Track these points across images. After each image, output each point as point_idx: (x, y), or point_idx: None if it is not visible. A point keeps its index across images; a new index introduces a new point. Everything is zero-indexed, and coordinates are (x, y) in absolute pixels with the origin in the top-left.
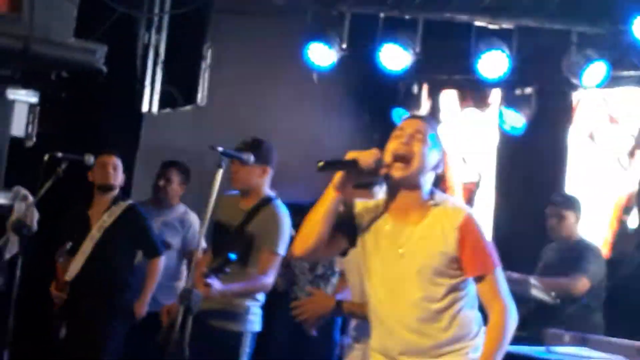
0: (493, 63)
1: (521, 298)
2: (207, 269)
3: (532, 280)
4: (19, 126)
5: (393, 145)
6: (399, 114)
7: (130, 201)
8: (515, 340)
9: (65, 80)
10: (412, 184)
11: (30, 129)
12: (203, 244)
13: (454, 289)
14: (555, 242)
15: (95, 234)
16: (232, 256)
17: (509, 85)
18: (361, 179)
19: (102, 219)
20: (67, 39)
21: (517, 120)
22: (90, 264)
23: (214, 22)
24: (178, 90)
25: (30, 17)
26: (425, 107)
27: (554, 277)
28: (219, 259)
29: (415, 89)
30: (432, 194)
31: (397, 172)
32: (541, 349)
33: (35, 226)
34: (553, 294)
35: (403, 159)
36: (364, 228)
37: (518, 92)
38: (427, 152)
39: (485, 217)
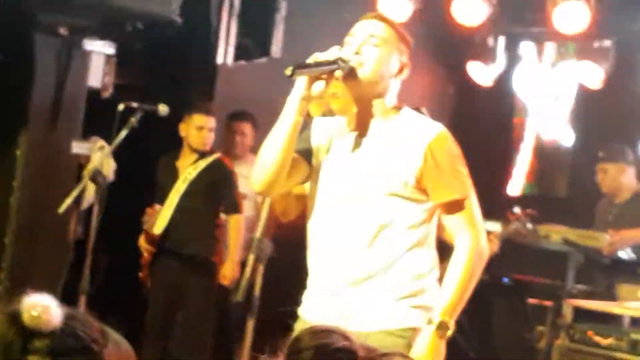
0: (570, 14)
1: (594, 254)
2: None
3: (607, 236)
4: (95, 77)
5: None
6: (474, 68)
7: (217, 154)
8: (587, 294)
9: (141, 31)
10: (369, 94)
11: (106, 80)
12: None
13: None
14: (606, 197)
15: (180, 186)
16: None
17: (586, 37)
18: (328, 86)
19: (187, 171)
20: None
21: (595, 74)
22: (177, 217)
23: None
24: (253, 42)
25: None
26: (501, 60)
27: None
28: None
29: (490, 41)
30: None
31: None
32: (614, 304)
33: (112, 176)
34: (629, 249)
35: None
36: (323, 147)
37: (596, 44)
38: (384, 58)
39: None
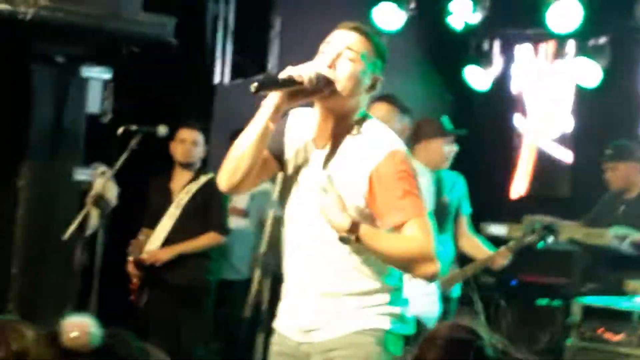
0: (564, 13)
1: (600, 250)
2: None
3: (612, 231)
4: (94, 103)
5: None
6: (471, 73)
7: (210, 175)
8: (595, 292)
9: (137, 55)
10: (340, 110)
11: (105, 105)
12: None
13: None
14: (612, 192)
15: (173, 211)
16: None
17: (582, 35)
18: (303, 98)
19: (180, 196)
20: (136, 14)
21: (593, 71)
22: (170, 242)
23: None
24: (249, 59)
25: None
26: (497, 63)
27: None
28: None
29: (486, 45)
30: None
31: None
32: (624, 299)
33: (114, 200)
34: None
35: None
36: (294, 146)
37: (591, 42)
38: (359, 74)
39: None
